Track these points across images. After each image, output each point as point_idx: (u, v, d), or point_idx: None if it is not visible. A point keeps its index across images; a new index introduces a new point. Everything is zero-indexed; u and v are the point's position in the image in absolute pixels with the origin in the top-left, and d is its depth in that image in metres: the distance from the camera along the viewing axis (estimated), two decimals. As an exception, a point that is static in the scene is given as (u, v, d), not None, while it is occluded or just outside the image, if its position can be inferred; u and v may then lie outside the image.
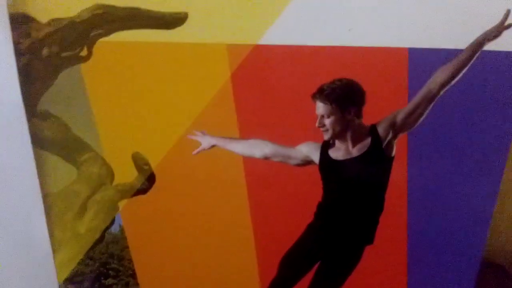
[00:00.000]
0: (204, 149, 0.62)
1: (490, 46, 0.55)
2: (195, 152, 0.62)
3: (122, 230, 0.66)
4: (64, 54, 0.55)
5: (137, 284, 0.69)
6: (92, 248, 0.66)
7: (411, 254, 0.67)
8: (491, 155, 0.61)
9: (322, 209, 0.64)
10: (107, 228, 0.65)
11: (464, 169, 0.62)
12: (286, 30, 0.55)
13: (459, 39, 0.55)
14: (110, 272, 0.68)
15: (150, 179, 0.62)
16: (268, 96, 0.59)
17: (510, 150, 0.61)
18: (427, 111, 0.58)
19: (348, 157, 0.61)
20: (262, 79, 0.58)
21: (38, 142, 0.61)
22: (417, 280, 0.69)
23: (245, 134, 0.61)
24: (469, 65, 0.56)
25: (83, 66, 0.57)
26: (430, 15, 0.54)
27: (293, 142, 0.62)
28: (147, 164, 0.61)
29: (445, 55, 0.56)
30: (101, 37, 0.55)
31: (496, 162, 0.61)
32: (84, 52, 0.55)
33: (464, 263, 0.67)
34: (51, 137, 0.59)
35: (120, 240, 0.66)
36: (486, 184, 0.62)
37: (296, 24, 0.55)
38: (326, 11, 0.54)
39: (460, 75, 0.56)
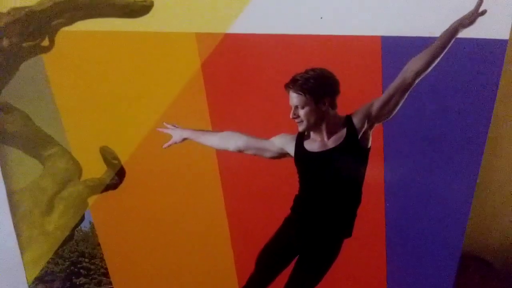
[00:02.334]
0: (175, 143, 0.60)
1: (464, 34, 0.54)
2: (166, 145, 0.60)
3: (92, 227, 0.64)
4: (25, 45, 0.52)
5: (110, 283, 0.67)
6: (62, 246, 0.64)
7: (390, 246, 0.67)
8: (469, 144, 0.60)
9: (299, 202, 0.63)
10: (77, 225, 0.63)
11: (441, 158, 0.61)
12: (257, 19, 0.54)
13: (433, 26, 0.54)
14: (82, 271, 0.66)
15: (120, 174, 0.60)
16: (240, 86, 0.58)
17: (488, 140, 0.60)
18: (402, 101, 0.58)
19: (324, 148, 0.60)
20: (233, 69, 0.57)
21: (0, 136, 0.58)
22: (397, 272, 0.68)
23: (217, 126, 0.60)
24: (443, 53, 0.55)
25: (45, 57, 0.54)
26: (403, 2, 0.53)
27: (267, 134, 0.60)
28: (116, 158, 0.59)
29: (419, 43, 0.55)
30: (63, 26, 0.52)
31: (474, 151, 0.61)
32: (45, 42, 0.53)
33: (444, 254, 0.67)
34: (13, 131, 0.57)
35: (91, 237, 0.64)
36: (464, 174, 0.62)
37: (266, 12, 0.54)
38: (297, -2, 0.53)
39: (435, 63, 0.56)
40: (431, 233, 0.66)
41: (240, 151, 0.61)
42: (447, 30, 0.54)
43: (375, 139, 0.60)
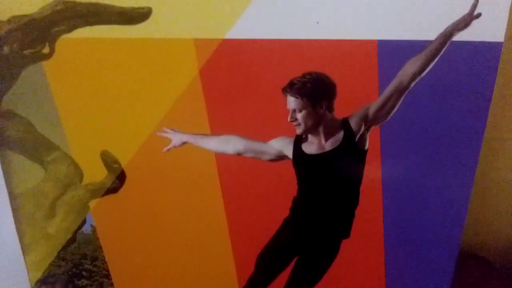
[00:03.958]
0: (174, 146, 0.61)
1: (459, 37, 0.55)
2: (165, 149, 0.61)
3: (94, 230, 0.65)
4: (25, 52, 0.53)
5: (112, 284, 0.68)
6: (64, 249, 0.65)
7: (388, 247, 0.67)
8: (465, 146, 0.61)
9: (298, 204, 0.64)
10: (79, 228, 0.64)
11: (438, 160, 0.61)
12: (254, 24, 0.54)
13: (428, 30, 0.55)
14: (84, 273, 0.67)
15: (121, 178, 0.61)
16: (238, 90, 0.58)
17: (487, 139, 0.61)
18: (398, 103, 0.58)
19: (321, 151, 0.61)
20: (231, 74, 0.57)
21: (3, 142, 0.59)
22: (395, 272, 0.69)
23: (216, 130, 0.60)
24: (439, 56, 0.56)
25: (45, 64, 0.55)
26: (399, 6, 0.54)
27: (265, 137, 0.61)
28: (117, 162, 0.60)
29: (415, 46, 0.55)
30: (63, 34, 0.53)
31: (470, 153, 0.61)
32: (46, 50, 0.54)
33: (442, 254, 0.67)
34: (16, 137, 0.58)
35: (93, 240, 0.65)
36: (460, 175, 0.62)
37: (264, 18, 0.54)
38: (293, 4, 0.54)
39: (430, 66, 0.56)
40: (428, 232, 0.66)
41: (239, 154, 0.61)
42: (442, 33, 0.55)
43: (372, 141, 0.61)
